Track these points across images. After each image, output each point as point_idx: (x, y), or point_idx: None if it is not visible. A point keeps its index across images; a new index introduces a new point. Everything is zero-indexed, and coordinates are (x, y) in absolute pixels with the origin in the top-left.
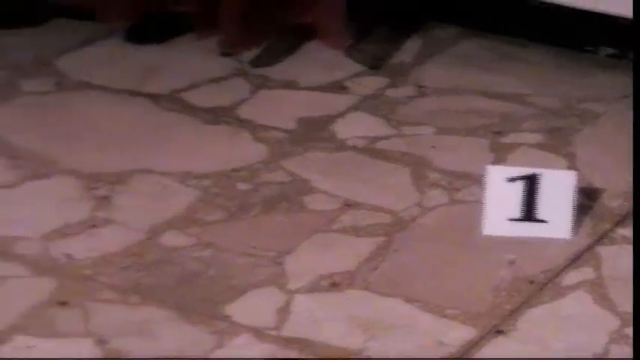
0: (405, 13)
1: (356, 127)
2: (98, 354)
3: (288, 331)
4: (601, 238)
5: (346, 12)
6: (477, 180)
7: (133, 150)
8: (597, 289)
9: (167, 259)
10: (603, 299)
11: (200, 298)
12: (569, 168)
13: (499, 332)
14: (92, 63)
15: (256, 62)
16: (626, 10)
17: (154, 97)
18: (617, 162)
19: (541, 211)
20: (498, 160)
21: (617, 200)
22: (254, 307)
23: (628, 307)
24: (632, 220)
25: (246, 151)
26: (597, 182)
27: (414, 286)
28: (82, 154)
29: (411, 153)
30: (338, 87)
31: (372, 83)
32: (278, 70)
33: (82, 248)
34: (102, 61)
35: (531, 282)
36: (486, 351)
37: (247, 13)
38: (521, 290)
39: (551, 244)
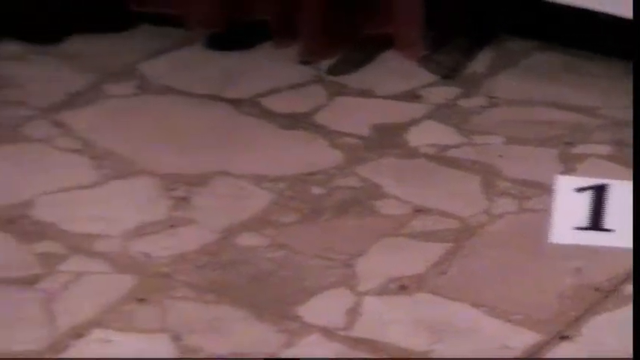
0: (479, 25)
1: (428, 135)
2: (173, 350)
3: (356, 332)
4: None
5: (423, 23)
6: (545, 189)
7: (212, 153)
8: None
9: (242, 259)
10: None
11: (272, 298)
12: None
13: (564, 338)
14: (175, 68)
15: (334, 70)
16: None
17: (233, 102)
18: None
19: (608, 221)
20: (567, 171)
21: None
22: (324, 308)
23: None
24: None
25: (322, 156)
26: None
27: (481, 291)
28: (163, 156)
29: (481, 161)
30: (412, 96)
31: (445, 93)
32: (354, 79)
33: (160, 247)
34: (184, 66)
35: (596, 289)
36: (551, 356)
37: (327, 24)
38: (586, 297)
39: (617, 253)
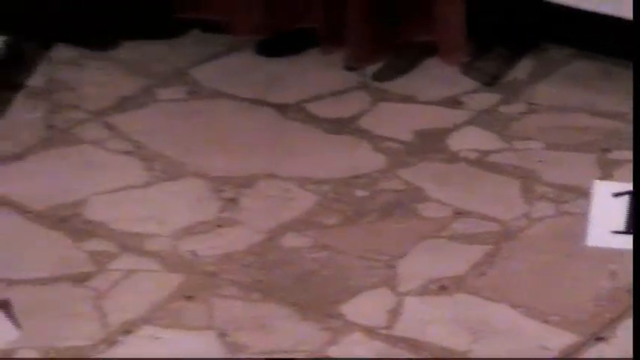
0: (520, 34)
1: (469, 140)
2: (219, 346)
3: (397, 331)
4: None
5: (466, 31)
6: (583, 194)
7: (259, 156)
8: None
9: (286, 259)
10: None
11: (316, 297)
12: None
13: (599, 339)
14: (224, 73)
15: (378, 76)
16: None
17: (280, 107)
18: None
19: None
20: (605, 176)
21: None
22: (366, 307)
23: None
24: None
25: (365, 160)
26: None
27: (519, 292)
28: (212, 158)
29: (520, 166)
30: (454, 102)
31: (486, 99)
32: (398, 85)
33: (207, 246)
34: (233, 72)
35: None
36: (587, 356)
37: (372, 31)
38: (621, 300)
39: None
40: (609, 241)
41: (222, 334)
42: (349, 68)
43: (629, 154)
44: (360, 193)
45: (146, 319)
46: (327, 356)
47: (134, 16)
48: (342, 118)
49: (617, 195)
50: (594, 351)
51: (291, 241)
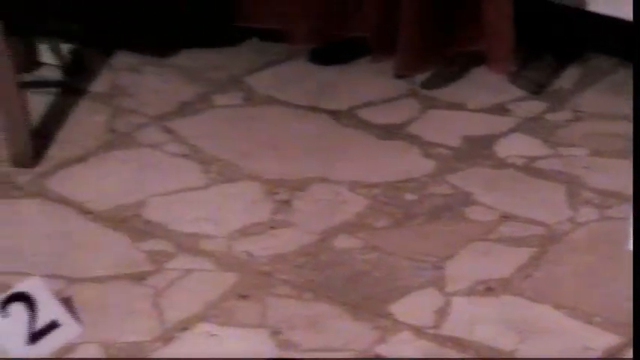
0: (566, 43)
1: (516, 146)
2: (272, 344)
3: (445, 330)
4: None
5: (514, 41)
6: (626, 199)
7: (312, 160)
8: None
9: (337, 260)
10: None
11: (366, 297)
12: None
13: None
14: (278, 80)
15: (427, 84)
16: None
17: (332, 113)
18: None
19: None
20: None
21: None
22: (415, 307)
23: None
24: None
25: (415, 165)
26: None
27: (564, 294)
28: (266, 162)
29: (565, 172)
30: (501, 109)
31: (532, 107)
32: (447, 92)
33: (261, 247)
34: (287, 79)
35: None
36: (629, 357)
37: (422, 40)
38: None
39: None
40: None
41: (275, 332)
42: (399, 76)
43: None
44: (409, 196)
45: (202, 317)
46: (377, 355)
47: (195, 25)
48: (393, 124)
49: None
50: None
51: (342, 242)
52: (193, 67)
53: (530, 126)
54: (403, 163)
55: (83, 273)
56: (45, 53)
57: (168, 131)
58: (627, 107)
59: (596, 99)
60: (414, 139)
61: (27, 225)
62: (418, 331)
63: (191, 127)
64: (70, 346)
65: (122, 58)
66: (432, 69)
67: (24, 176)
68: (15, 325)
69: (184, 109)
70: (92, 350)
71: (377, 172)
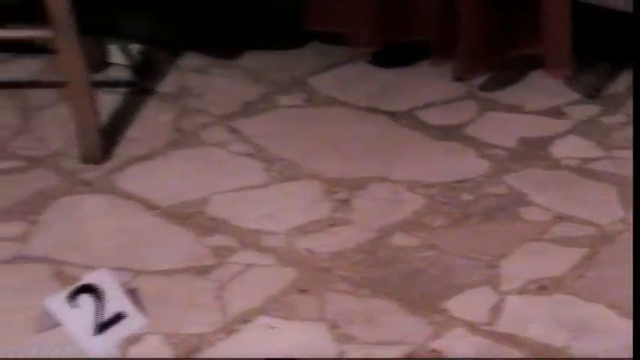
0: (622, 48)
1: (571, 148)
2: (330, 337)
3: (499, 327)
4: None
5: (571, 45)
6: None
7: (371, 160)
8: None
9: (395, 257)
10: None
11: (422, 294)
12: None
13: None
14: (339, 82)
15: (485, 87)
16: None
17: (392, 114)
18: None
19: None
20: None
21: None
22: (470, 304)
23: None
24: None
25: (471, 165)
26: None
27: (616, 293)
28: (326, 162)
29: (619, 174)
30: (557, 112)
31: (587, 110)
32: (504, 95)
33: (321, 244)
34: (348, 81)
35: None
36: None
37: (482, 44)
38: None
39: None
40: None
41: (333, 326)
42: (458, 79)
43: None
44: (465, 196)
45: (262, 310)
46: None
47: (259, 27)
48: (451, 126)
49: None
50: None
51: (399, 240)
52: (258, 69)
53: (584, 128)
54: (460, 163)
55: (149, 266)
56: (115, 54)
57: (233, 131)
58: None
59: None
60: (470, 141)
61: (95, 219)
62: (472, 327)
63: (255, 127)
64: (135, 337)
65: (190, 60)
66: (490, 72)
67: (93, 173)
68: (83, 315)
69: (248, 110)
70: (156, 341)
71: (434, 172)
